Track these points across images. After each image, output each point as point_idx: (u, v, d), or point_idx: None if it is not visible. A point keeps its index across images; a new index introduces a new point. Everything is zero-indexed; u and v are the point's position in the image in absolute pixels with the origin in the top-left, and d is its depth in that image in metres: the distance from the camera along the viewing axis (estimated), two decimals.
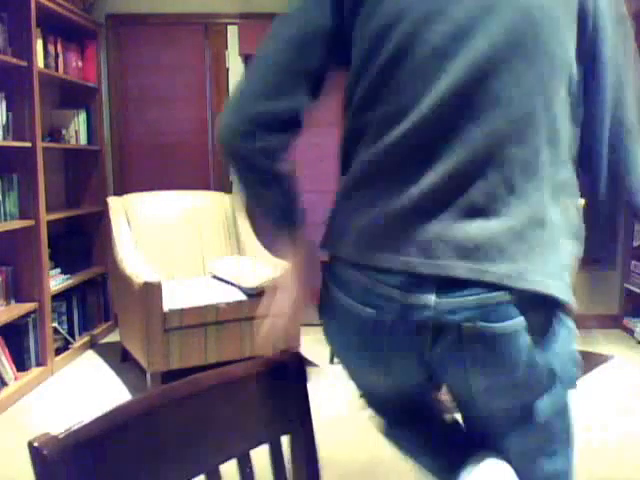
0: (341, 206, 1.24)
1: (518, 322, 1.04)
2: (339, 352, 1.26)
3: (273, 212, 1.25)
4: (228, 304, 3.46)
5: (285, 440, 1.02)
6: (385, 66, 1.05)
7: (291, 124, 1.15)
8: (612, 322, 4.62)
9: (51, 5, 3.71)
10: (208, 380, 0.93)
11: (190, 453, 0.88)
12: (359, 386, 1.34)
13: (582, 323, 4.65)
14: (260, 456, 0.98)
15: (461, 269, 1.02)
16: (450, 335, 1.05)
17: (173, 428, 0.87)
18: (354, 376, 1.31)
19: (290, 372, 1.01)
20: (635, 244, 4.46)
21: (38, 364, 3.62)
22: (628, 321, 4.50)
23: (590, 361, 3.93)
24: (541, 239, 1.07)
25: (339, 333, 1.19)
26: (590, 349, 4.16)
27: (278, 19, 1.12)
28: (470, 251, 1.02)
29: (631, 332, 4.42)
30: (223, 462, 0.92)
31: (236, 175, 1.18)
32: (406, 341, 1.09)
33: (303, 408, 1.02)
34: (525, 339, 1.05)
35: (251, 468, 0.95)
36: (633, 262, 4.47)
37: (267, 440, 0.98)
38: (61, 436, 0.76)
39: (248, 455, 0.95)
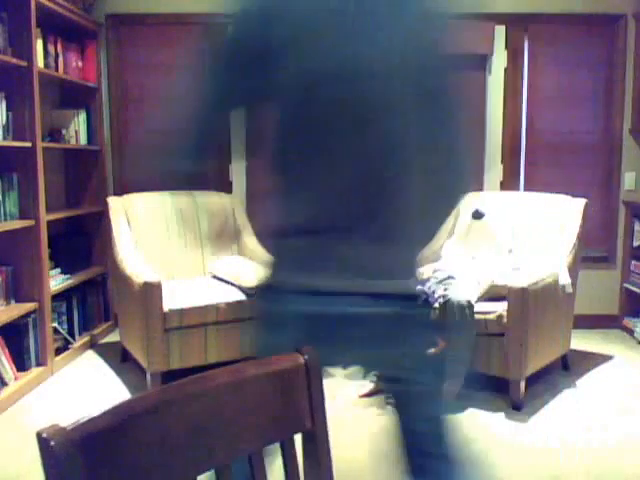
0: None
1: None
2: None
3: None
4: (227, 304, 3.46)
5: (298, 438, 1.02)
6: None
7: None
8: (612, 322, 4.62)
9: (51, 5, 3.71)
10: (220, 377, 0.93)
11: (200, 449, 0.89)
12: None
13: (582, 323, 4.61)
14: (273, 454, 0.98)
15: None
16: None
17: (183, 424, 0.87)
18: None
19: (305, 370, 1.01)
20: (635, 244, 4.46)
21: (38, 364, 3.62)
22: (628, 321, 4.50)
23: (590, 361, 3.93)
24: None
25: None
26: (590, 349, 4.16)
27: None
28: None
29: (631, 332, 4.42)
30: (234, 459, 0.93)
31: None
32: None
33: (318, 406, 1.02)
34: None
35: (262, 465, 0.95)
36: (633, 262, 4.47)
37: (279, 438, 0.98)
38: (69, 428, 0.76)
39: (260, 452, 0.95)
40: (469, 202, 4.03)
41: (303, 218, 1.26)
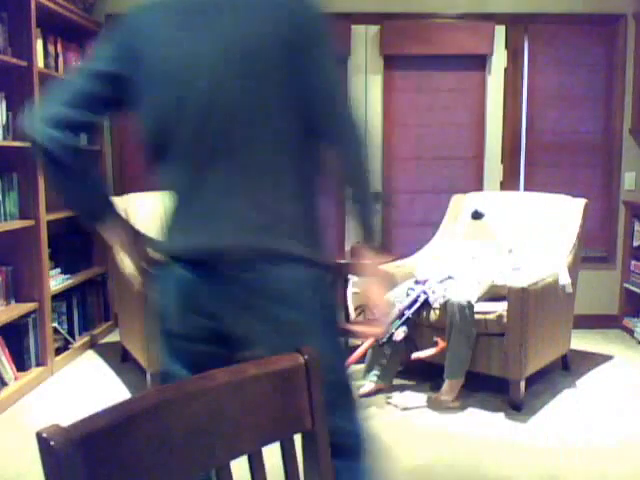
0: None
1: None
2: None
3: (81, 206, 1.48)
4: None
5: (298, 438, 1.02)
6: None
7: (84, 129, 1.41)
8: (612, 322, 4.63)
9: (51, 5, 3.71)
10: (219, 377, 0.93)
11: (200, 449, 0.89)
12: None
13: (582, 323, 4.61)
14: (273, 454, 0.98)
15: None
16: None
17: (183, 424, 0.87)
18: None
19: (305, 370, 1.01)
20: (635, 244, 4.46)
21: (38, 364, 3.62)
22: (628, 321, 4.50)
23: (590, 361, 3.94)
24: None
25: None
26: (590, 349, 4.16)
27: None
28: None
29: (631, 332, 4.42)
30: (234, 459, 0.93)
31: (42, 169, 1.40)
32: None
33: (318, 406, 1.02)
34: None
35: (262, 465, 0.95)
36: (633, 262, 4.47)
37: (279, 438, 0.98)
38: (69, 428, 0.76)
39: (260, 452, 0.95)
40: (469, 202, 4.03)
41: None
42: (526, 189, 4.56)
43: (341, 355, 1.53)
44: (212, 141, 1.33)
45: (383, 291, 1.52)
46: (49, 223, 3.67)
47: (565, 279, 3.41)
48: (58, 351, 3.83)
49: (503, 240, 3.70)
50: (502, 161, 4.60)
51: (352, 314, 3.76)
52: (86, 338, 4.19)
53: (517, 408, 3.18)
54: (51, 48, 3.93)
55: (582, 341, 4.21)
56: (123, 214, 1.51)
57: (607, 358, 4.00)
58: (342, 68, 4.55)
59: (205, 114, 1.31)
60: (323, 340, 1.39)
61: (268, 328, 1.37)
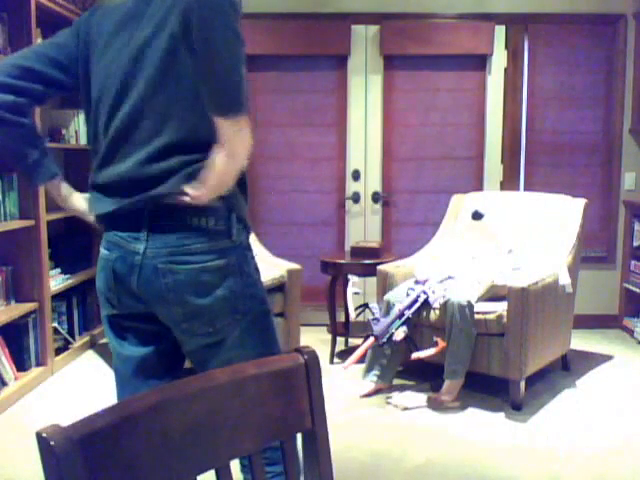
0: None
1: None
2: None
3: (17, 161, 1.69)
4: None
5: (299, 438, 1.02)
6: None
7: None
8: (612, 322, 4.63)
9: (51, 5, 3.71)
10: (220, 377, 0.93)
11: (200, 448, 0.89)
12: None
13: (582, 323, 4.61)
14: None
15: None
16: None
17: (183, 423, 0.87)
18: None
19: (305, 370, 1.01)
20: (635, 244, 4.46)
21: (38, 364, 3.62)
22: (628, 321, 4.50)
23: (590, 361, 3.93)
24: None
25: None
26: (590, 349, 4.16)
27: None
28: None
29: (631, 332, 4.42)
30: (234, 458, 0.93)
31: None
32: None
33: (318, 406, 1.02)
34: None
35: (262, 465, 0.95)
36: (633, 262, 4.47)
37: (279, 438, 0.98)
38: (69, 427, 0.76)
39: (260, 453, 0.95)
40: (469, 202, 4.03)
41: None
42: (526, 189, 4.55)
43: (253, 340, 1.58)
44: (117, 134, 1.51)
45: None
46: (49, 223, 3.67)
47: (565, 279, 3.41)
48: (58, 351, 3.82)
49: (503, 240, 3.70)
50: (502, 161, 4.60)
51: (352, 314, 3.76)
52: (86, 338, 4.19)
53: (517, 408, 3.18)
54: None
55: (582, 341, 4.21)
56: (58, 173, 1.74)
57: (607, 358, 4.00)
58: (342, 68, 4.55)
59: (114, 108, 1.51)
60: (231, 324, 1.53)
61: (182, 311, 1.50)
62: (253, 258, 1.61)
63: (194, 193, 1.44)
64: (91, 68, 1.55)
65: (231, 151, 1.42)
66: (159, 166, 1.45)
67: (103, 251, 1.57)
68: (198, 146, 1.44)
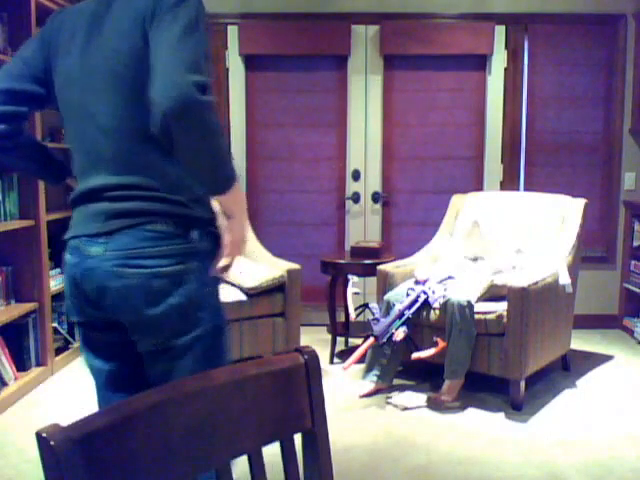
0: None
1: None
2: None
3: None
4: (227, 304, 3.46)
5: (298, 438, 1.02)
6: None
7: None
8: (612, 322, 4.62)
9: (51, 5, 3.71)
10: (220, 376, 0.93)
11: (200, 448, 0.88)
12: None
13: (582, 323, 4.61)
14: (272, 453, 0.98)
15: None
16: None
17: (183, 423, 0.87)
18: None
19: (305, 370, 1.01)
20: (635, 244, 4.46)
21: (38, 364, 3.62)
22: (628, 321, 4.50)
23: (590, 361, 3.93)
24: None
25: None
26: (590, 349, 4.16)
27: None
28: None
29: (631, 332, 4.42)
30: (234, 458, 0.93)
31: None
32: None
33: (318, 406, 1.02)
34: None
35: (262, 465, 0.95)
36: (633, 262, 4.47)
37: (279, 438, 0.98)
38: (69, 427, 0.76)
39: (260, 452, 0.95)
40: (470, 202, 4.03)
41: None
42: (526, 189, 4.55)
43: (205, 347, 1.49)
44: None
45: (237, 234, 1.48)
46: (49, 223, 3.67)
47: (565, 279, 3.41)
48: (58, 351, 3.82)
49: (508, 242, 3.69)
50: (502, 161, 4.60)
51: (352, 314, 3.76)
52: None
53: (517, 408, 3.18)
54: None
55: (582, 341, 4.21)
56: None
57: (607, 358, 4.00)
58: (342, 68, 4.55)
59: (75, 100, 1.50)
60: (184, 336, 1.46)
61: (131, 320, 1.46)
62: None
63: (225, 264, 1.47)
64: (54, 76, 1.53)
65: (233, 213, 1.43)
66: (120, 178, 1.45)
67: (66, 256, 1.53)
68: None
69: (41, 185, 3.56)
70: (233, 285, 3.60)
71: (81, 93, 1.47)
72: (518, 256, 3.55)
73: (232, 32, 4.47)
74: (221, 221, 1.46)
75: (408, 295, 3.32)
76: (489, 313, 3.20)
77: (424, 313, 3.33)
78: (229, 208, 1.42)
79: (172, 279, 1.42)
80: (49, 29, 1.55)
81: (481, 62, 4.53)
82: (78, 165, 1.54)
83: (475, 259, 3.64)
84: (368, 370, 3.40)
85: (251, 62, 4.57)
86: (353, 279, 3.83)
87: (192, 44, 1.33)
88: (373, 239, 4.52)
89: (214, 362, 1.48)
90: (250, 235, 4.18)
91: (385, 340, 3.21)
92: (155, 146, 1.37)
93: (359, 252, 3.97)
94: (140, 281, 1.41)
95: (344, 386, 3.49)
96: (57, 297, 3.84)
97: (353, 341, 4.18)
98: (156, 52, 1.33)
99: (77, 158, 1.54)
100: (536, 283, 3.17)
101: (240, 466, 0.98)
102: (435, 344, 3.19)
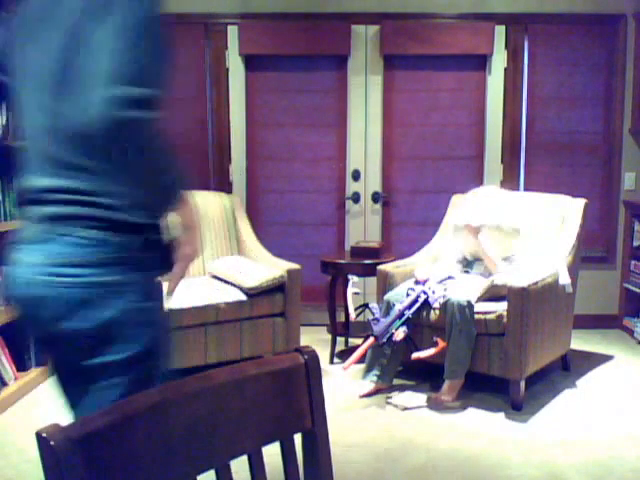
0: None
1: None
2: None
3: None
4: (227, 304, 3.46)
5: (298, 438, 1.02)
6: None
7: None
8: (612, 322, 4.62)
9: None
10: (220, 376, 0.93)
11: (200, 448, 0.89)
12: None
13: (582, 323, 4.61)
14: (272, 453, 0.98)
15: None
16: None
17: (183, 423, 0.87)
18: None
19: (305, 370, 1.01)
20: (635, 244, 4.46)
21: (38, 364, 3.62)
22: (628, 321, 4.50)
23: (590, 361, 3.93)
24: None
25: None
26: (590, 349, 4.16)
27: None
28: None
29: (631, 332, 4.42)
30: (234, 458, 0.93)
31: None
32: None
33: (318, 406, 1.02)
34: None
35: (262, 465, 0.95)
36: (633, 262, 4.47)
37: (279, 438, 0.98)
38: (69, 427, 0.76)
39: (260, 452, 0.95)
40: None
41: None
42: (526, 189, 4.55)
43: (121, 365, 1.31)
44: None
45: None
46: None
47: (565, 279, 3.41)
48: None
49: (509, 224, 3.59)
50: (502, 161, 4.60)
51: (352, 314, 3.76)
52: None
53: (517, 408, 3.18)
54: None
55: (582, 341, 4.21)
56: None
57: (607, 358, 4.00)
58: (342, 68, 4.55)
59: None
60: (108, 357, 1.30)
61: (50, 333, 1.33)
62: (159, 282, 1.39)
63: (178, 272, 1.39)
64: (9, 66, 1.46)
65: (187, 226, 1.38)
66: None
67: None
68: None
69: None
70: (233, 285, 3.61)
71: (24, 88, 1.41)
72: (507, 264, 3.53)
73: (232, 32, 4.47)
74: (177, 232, 1.38)
75: (408, 295, 3.32)
76: (489, 313, 3.20)
77: (424, 313, 3.33)
78: (182, 221, 1.36)
79: (98, 290, 1.26)
80: (10, 17, 1.46)
81: (481, 62, 4.53)
82: (24, 162, 1.46)
83: (468, 263, 3.63)
84: (368, 370, 3.40)
85: (251, 62, 4.57)
86: (353, 279, 3.83)
87: (128, 48, 1.19)
88: (373, 239, 4.52)
89: (134, 390, 1.19)
90: (251, 235, 4.18)
91: (385, 340, 3.21)
92: (90, 149, 1.26)
93: (359, 252, 3.97)
94: (60, 291, 1.26)
95: (344, 386, 3.49)
96: None
97: (353, 341, 4.18)
98: (85, 55, 1.21)
99: (25, 154, 1.45)
100: (536, 283, 3.17)
101: (240, 466, 0.98)
102: (435, 344, 3.19)
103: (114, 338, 1.28)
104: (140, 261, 1.31)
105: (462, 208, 3.75)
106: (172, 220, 1.38)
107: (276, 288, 3.58)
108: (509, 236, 3.56)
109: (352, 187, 4.62)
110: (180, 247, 1.38)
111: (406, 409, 3.22)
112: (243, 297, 3.51)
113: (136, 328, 1.30)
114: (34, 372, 3.55)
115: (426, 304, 3.31)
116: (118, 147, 1.21)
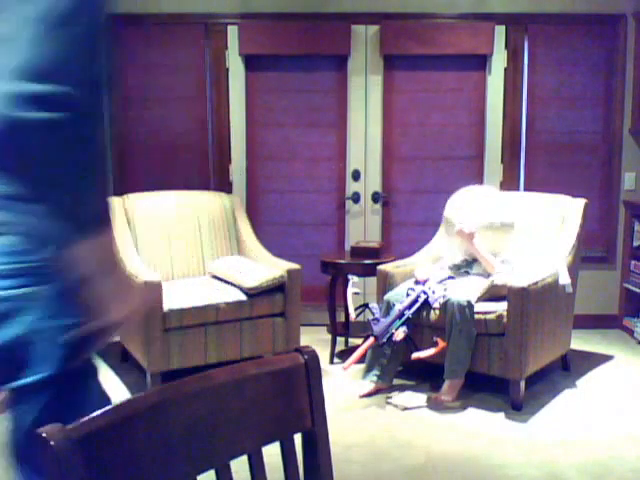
0: None
1: None
2: None
3: None
4: (227, 304, 3.46)
5: (298, 438, 1.02)
6: None
7: None
8: (612, 322, 4.62)
9: None
10: (220, 376, 0.93)
11: (200, 448, 0.89)
12: None
13: (582, 323, 4.61)
14: (272, 453, 0.98)
15: None
16: None
17: (183, 423, 0.87)
18: None
19: (305, 370, 1.01)
20: (635, 244, 4.46)
21: None
22: (628, 321, 4.50)
23: (590, 361, 3.93)
24: None
25: None
26: (590, 349, 4.16)
27: None
28: None
29: (631, 332, 4.42)
30: (234, 458, 0.93)
31: None
32: None
33: (318, 406, 1.02)
34: None
35: (262, 465, 0.95)
36: (633, 262, 4.47)
37: (279, 438, 0.98)
38: (69, 427, 0.76)
39: (260, 452, 0.95)
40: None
41: None
42: (526, 189, 4.55)
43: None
44: None
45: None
46: None
47: (565, 279, 3.41)
48: None
49: (501, 219, 3.59)
50: (502, 161, 4.60)
51: (352, 314, 3.76)
52: None
53: (517, 408, 3.18)
54: None
55: (582, 341, 4.21)
56: None
57: (607, 358, 4.00)
58: (342, 68, 4.55)
59: None
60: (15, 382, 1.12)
61: None
62: (84, 292, 1.15)
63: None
64: None
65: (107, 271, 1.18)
66: None
67: None
68: None
69: None
70: (233, 285, 3.61)
71: None
72: (505, 266, 3.52)
73: (232, 32, 4.47)
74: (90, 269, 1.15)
75: (408, 295, 3.32)
76: (489, 313, 3.20)
77: (424, 313, 3.33)
78: (99, 257, 1.15)
79: (7, 305, 1.09)
80: None
81: (481, 62, 4.53)
82: None
83: (468, 263, 3.63)
84: (368, 370, 3.40)
85: (251, 62, 4.57)
86: (353, 279, 3.83)
87: (36, 40, 1.03)
88: (373, 239, 4.52)
89: (64, 415, 0.90)
90: (251, 235, 4.18)
91: (385, 340, 3.21)
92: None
93: (359, 252, 3.97)
94: None
95: (344, 386, 3.49)
96: None
97: (353, 341, 4.18)
98: None
99: None
100: (536, 283, 3.17)
101: (240, 466, 0.98)
102: (435, 344, 3.19)
103: (22, 360, 1.11)
104: (60, 270, 1.11)
105: (456, 209, 3.72)
106: (84, 256, 1.12)
107: (276, 288, 3.58)
108: (502, 232, 3.56)
109: (352, 187, 4.62)
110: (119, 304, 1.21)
111: (406, 409, 3.22)
112: (243, 297, 3.51)
113: (46, 349, 1.11)
114: None
115: (426, 304, 3.31)
116: (16, 154, 1.04)
